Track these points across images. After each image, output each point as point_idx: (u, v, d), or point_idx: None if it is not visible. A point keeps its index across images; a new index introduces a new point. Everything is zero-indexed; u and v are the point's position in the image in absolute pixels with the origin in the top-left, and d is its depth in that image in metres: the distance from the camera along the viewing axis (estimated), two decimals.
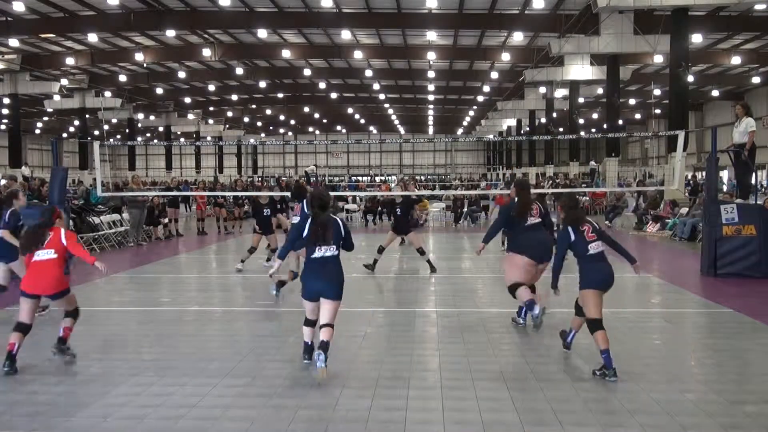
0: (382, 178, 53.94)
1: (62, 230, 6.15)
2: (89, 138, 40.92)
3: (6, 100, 38.04)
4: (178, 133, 59.64)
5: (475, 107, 52.46)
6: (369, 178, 58.43)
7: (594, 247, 5.77)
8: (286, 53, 32.22)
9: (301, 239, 5.72)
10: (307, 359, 5.91)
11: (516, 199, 7.23)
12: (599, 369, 5.50)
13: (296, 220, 9.56)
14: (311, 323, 5.88)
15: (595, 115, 50.61)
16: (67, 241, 6.07)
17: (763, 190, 24.80)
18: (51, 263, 5.95)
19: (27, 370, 5.88)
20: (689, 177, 30.65)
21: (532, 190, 9.15)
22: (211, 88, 43.14)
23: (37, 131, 61.18)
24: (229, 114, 55.93)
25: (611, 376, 5.39)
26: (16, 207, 8.03)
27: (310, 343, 5.93)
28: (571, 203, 6.07)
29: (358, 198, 25.59)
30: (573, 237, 5.78)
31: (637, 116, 53.15)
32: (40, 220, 6.15)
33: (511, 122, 52.71)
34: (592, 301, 5.66)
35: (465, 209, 23.33)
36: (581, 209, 6.17)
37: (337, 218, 5.78)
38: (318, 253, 5.61)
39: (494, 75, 37.21)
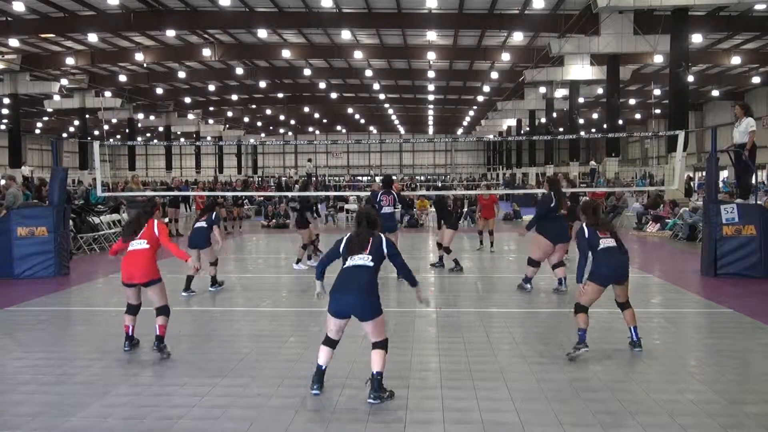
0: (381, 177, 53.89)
1: (155, 222, 6.48)
2: (89, 138, 40.90)
3: (6, 100, 38.06)
4: (178, 133, 59.68)
5: (475, 107, 52.47)
6: (369, 178, 58.43)
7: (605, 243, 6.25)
8: (286, 53, 32.23)
9: (337, 254, 5.25)
10: (315, 390, 5.07)
11: (552, 193, 9.18)
12: (573, 348, 6.03)
13: (388, 210, 10.72)
14: (331, 343, 5.13)
15: (595, 115, 50.63)
16: (159, 233, 6.40)
17: (763, 189, 24.77)
18: (143, 253, 6.28)
19: (27, 370, 5.88)
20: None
21: (525, 191, 10.82)
22: (211, 88, 43.15)
23: (37, 131, 61.19)
24: (229, 114, 55.96)
25: (582, 348, 5.97)
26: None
27: (323, 367, 5.11)
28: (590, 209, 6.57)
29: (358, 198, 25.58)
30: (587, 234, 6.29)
31: (637, 116, 53.17)
32: (144, 210, 6.59)
33: (511, 122, 52.74)
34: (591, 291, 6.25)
35: (465, 209, 23.32)
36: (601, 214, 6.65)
37: (383, 236, 5.24)
38: (350, 262, 5.08)
39: (494, 75, 37.22)
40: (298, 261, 11.99)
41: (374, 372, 4.95)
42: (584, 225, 6.31)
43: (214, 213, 9.94)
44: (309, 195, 13.06)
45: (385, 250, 5.16)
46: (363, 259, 5.07)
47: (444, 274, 11.45)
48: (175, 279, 9.35)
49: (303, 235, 12.07)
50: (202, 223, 9.71)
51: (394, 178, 12.24)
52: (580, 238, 6.30)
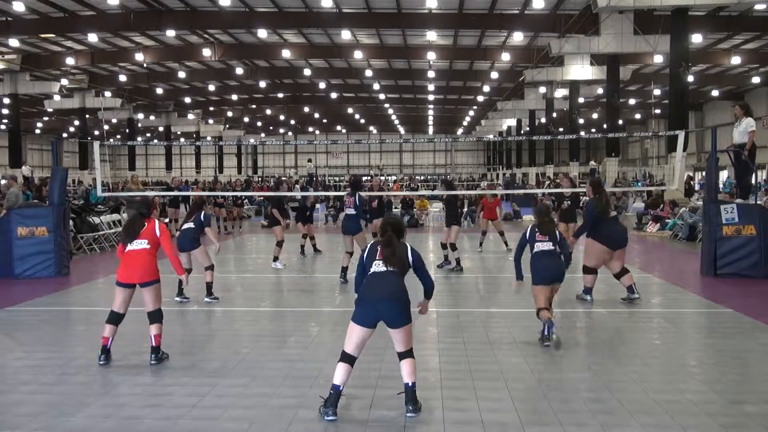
0: (382, 177, 53.86)
1: (156, 222, 6.39)
2: (89, 138, 40.92)
3: (6, 100, 38.02)
4: (178, 133, 59.66)
5: (475, 107, 52.46)
6: (369, 177, 58.44)
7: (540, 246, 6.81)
8: (286, 53, 32.22)
9: (362, 264, 4.98)
10: (330, 415, 4.56)
11: (597, 197, 8.59)
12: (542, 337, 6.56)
13: (350, 211, 10.65)
14: (349, 359, 4.66)
15: (595, 115, 50.61)
16: (160, 234, 6.33)
17: (764, 188, 24.77)
18: (143, 253, 6.18)
19: (27, 370, 5.88)
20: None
21: (525, 191, 10.36)
22: (211, 88, 43.13)
23: (37, 131, 61.15)
24: (229, 114, 55.95)
25: (548, 337, 6.46)
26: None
27: (340, 388, 4.60)
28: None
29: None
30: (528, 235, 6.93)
31: (637, 116, 53.15)
32: (139, 211, 6.45)
33: (511, 122, 52.72)
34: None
35: (465, 209, 23.31)
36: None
37: (408, 245, 5.00)
38: (376, 268, 4.81)
39: (494, 75, 37.22)
40: (275, 259, 12.21)
41: (408, 383, 4.64)
42: (530, 225, 7.04)
43: (203, 213, 9.36)
44: (280, 195, 13.13)
45: (410, 260, 4.91)
46: (390, 267, 4.82)
47: (444, 273, 11.45)
48: (173, 278, 9.35)
49: (275, 233, 12.45)
50: (190, 224, 9.21)
51: (366, 178, 12.13)
52: (522, 236, 7.03)
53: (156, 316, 6.15)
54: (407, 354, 4.69)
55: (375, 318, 4.66)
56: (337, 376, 4.62)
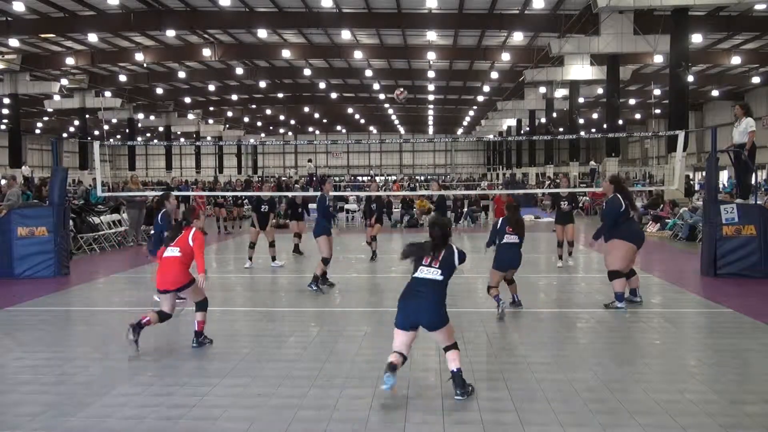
0: (383, 177, 53.94)
1: (193, 230, 6.51)
2: (89, 138, 40.91)
3: (6, 100, 38.03)
4: (178, 133, 59.65)
5: (475, 107, 52.46)
6: (369, 177, 58.49)
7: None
8: (286, 53, 32.22)
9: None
10: (388, 378, 4.85)
11: (619, 196, 8.24)
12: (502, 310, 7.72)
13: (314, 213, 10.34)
14: (401, 355, 5.00)
15: (595, 115, 50.62)
16: (193, 242, 6.45)
17: (763, 189, 24.77)
18: (175, 260, 6.41)
19: (27, 370, 5.88)
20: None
21: (525, 191, 10.34)
22: (211, 88, 43.14)
23: (37, 131, 61.15)
24: (229, 114, 55.94)
25: (501, 308, 7.73)
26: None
27: (395, 364, 4.94)
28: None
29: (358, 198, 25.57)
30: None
31: (637, 116, 53.15)
32: (182, 219, 6.67)
33: (511, 122, 52.73)
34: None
35: (465, 209, 23.34)
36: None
37: (455, 247, 5.17)
38: (418, 274, 5.06)
39: (494, 75, 37.22)
40: (274, 259, 12.40)
41: (454, 370, 5.00)
42: (501, 218, 8.25)
43: (160, 214, 8.54)
44: (268, 195, 13.08)
45: (456, 262, 5.08)
46: (432, 273, 5.01)
47: None
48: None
49: (266, 234, 12.49)
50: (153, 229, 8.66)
51: (332, 178, 11.87)
52: (493, 226, 8.30)
53: (199, 306, 6.55)
54: (450, 347, 5.06)
55: (412, 322, 5.00)
56: (390, 357, 4.96)
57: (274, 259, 12.49)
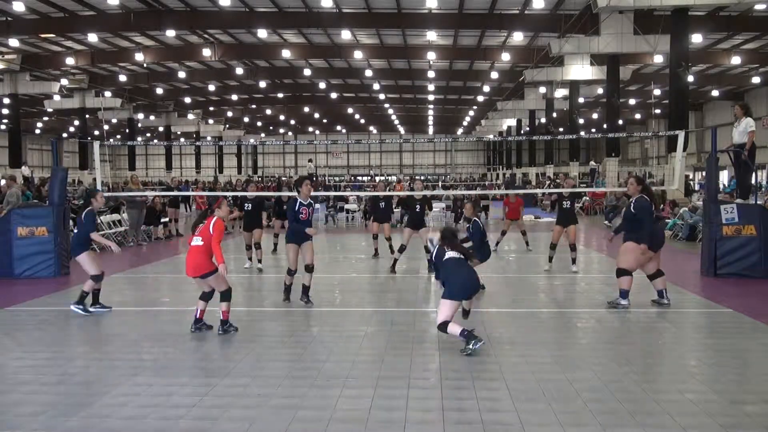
0: (383, 177, 53.98)
1: (213, 219, 6.87)
2: (89, 138, 40.86)
3: (6, 100, 38.02)
4: (178, 133, 59.65)
5: (475, 107, 52.47)
6: (369, 177, 58.53)
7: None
8: (286, 53, 32.21)
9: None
10: (474, 341, 6.16)
11: (646, 197, 8.17)
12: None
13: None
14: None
15: (595, 115, 50.62)
16: (213, 231, 6.71)
17: (763, 189, 24.76)
18: (197, 249, 6.84)
19: (27, 370, 5.88)
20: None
21: (525, 191, 10.10)
22: (211, 88, 43.13)
23: (37, 131, 61.17)
24: (229, 114, 55.95)
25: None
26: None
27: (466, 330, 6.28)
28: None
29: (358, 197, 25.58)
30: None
31: (637, 116, 53.16)
32: (206, 207, 7.09)
33: (511, 122, 52.74)
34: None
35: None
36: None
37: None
38: (449, 254, 6.44)
39: (494, 75, 37.21)
40: (259, 261, 12.12)
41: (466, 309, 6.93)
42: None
43: (84, 213, 8.16)
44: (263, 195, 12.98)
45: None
46: (457, 255, 6.50)
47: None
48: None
49: (254, 234, 12.14)
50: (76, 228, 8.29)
51: (312, 179, 10.51)
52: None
53: (223, 296, 6.90)
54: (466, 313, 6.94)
55: (472, 290, 6.61)
56: (464, 327, 6.32)
57: (250, 259, 12.21)
